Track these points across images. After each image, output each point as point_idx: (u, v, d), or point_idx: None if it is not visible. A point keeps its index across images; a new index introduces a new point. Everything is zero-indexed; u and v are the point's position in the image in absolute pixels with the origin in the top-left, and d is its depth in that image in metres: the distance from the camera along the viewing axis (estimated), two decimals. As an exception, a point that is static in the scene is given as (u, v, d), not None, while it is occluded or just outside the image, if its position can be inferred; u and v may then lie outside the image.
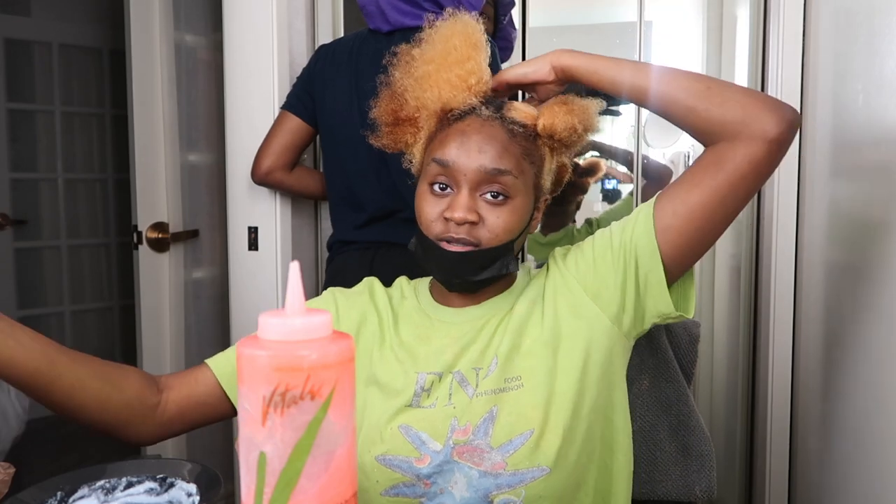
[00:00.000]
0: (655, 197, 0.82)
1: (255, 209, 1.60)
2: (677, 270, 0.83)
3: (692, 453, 1.06)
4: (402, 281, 0.95)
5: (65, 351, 0.75)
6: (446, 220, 0.80)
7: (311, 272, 1.76)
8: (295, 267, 0.44)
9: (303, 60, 1.74)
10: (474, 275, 0.82)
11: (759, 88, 1.65)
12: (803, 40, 1.46)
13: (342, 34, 1.88)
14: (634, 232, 0.81)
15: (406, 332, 0.87)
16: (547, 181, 0.89)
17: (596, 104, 0.87)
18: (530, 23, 2.25)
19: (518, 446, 0.77)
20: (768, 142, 0.74)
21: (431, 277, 0.92)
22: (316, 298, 0.94)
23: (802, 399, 1.45)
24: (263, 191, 1.59)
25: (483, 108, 0.85)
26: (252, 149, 1.49)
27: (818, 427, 1.33)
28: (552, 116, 0.84)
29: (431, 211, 0.81)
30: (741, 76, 1.76)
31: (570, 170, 0.94)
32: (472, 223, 0.80)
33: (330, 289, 0.95)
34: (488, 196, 0.81)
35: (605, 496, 0.85)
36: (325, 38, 1.79)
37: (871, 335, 1.06)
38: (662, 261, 0.80)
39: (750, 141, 0.75)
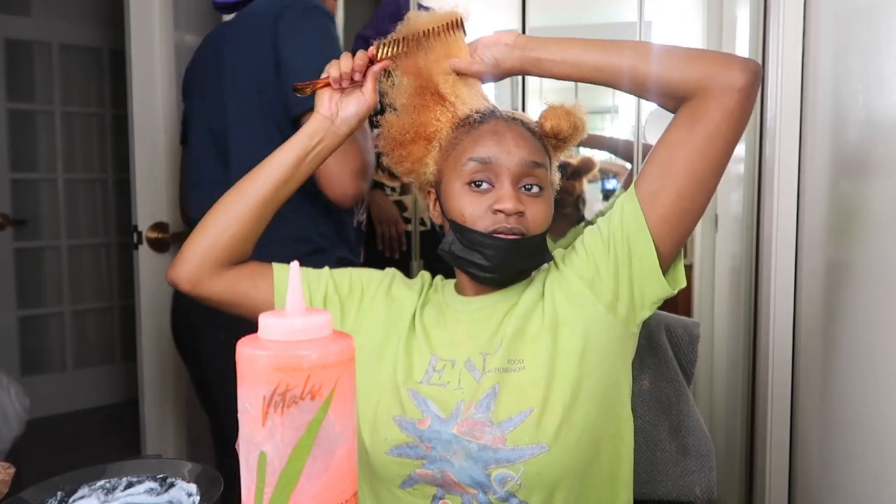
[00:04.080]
0: (633, 182, 0.86)
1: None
2: (669, 246, 0.84)
3: (692, 453, 1.06)
4: (439, 278, 1.01)
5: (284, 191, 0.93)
6: (494, 213, 0.84)
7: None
8: (295, 267, 0.44)
9: (303, 60, 1.73)
10: (523, 263, 0.87)
11: (759, 87, 1.65)
12: (803, 40, 1.46)
13: (342, 34, 1.88)
14: (623, 217, 0.84)
15: (428, 316, 0.93)
16: (555, 178, 0.93)
17: (581, 105, 0.93)
18: (530, 23, 2.25)
19: (518, 423, 0.80)
20: (738, 91, 0.78)
21: (455, 281, 0.96)
22: (374, 270, 0.99)
23: (802, 399, 1.45)
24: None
25: (499, 111, 0.91)
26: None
27: (818, 427, 1.33)
28: (557, 118, 0.91)
29: (476, 207, 0.85)
30: (741, 76, 1.75)
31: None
32: (520, 213, 0.84)
33: (392, 269, 1.00)
34: (526, 189, 0.86)
35: (613, 485, 0.88)
36: (325, 38, 1.79)
37: (871, 334, 1.06)
38: (654, 241, 0.82)
39: (721, 92, 0.78)
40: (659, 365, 1.08)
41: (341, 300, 0.93)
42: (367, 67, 0.92)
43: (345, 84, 0.91)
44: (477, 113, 0.90)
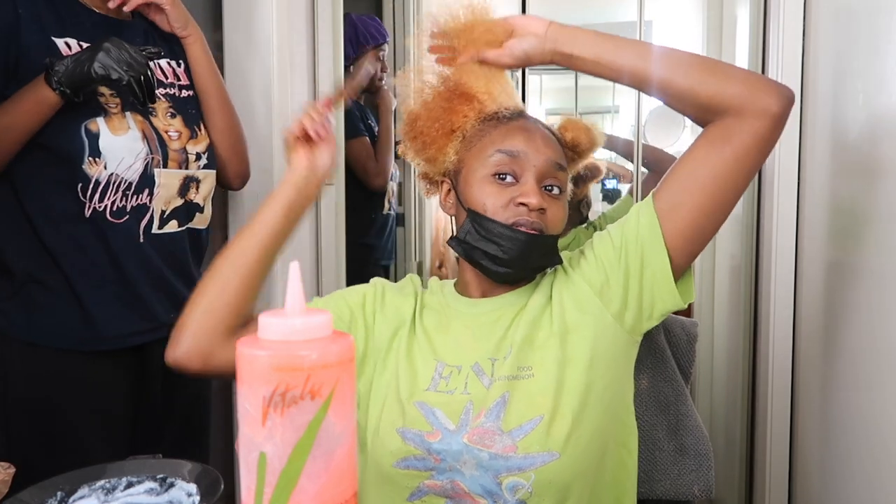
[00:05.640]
0: (651, 193, 0.86)
1: (255, 209, 1.60)
2: (682, 260, 0.84)
3: (690, 452, 1.06)
4: (433, 279, 1.00)
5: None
6: (517, 206, 0.84)
7: (310, 272, 1.76)
8: (294, 267, 0.44)
9: (303, 60, 1.73)
10: (537, 261, 0.87)
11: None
12: (803, 40, 1.46)
13: (342, 33, 1.88)
14: (638, 227, 0.84)
15: (428, 321, 0.91)
16: (567, 187, 0.93)
17: (597, 125, 0.97)
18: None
19: (528, 431, 0.79)
20: (772, 117, 0.78)
21: (455, 280, 0.95)
22: (359, 286, 0.97)
23: (802, 399, 1.45)
24: (263, 191, 1.58)
25: (526, 113, 0.93)
26: (250, 148, 1.49)
27: (818, 426, 1.33)
28: (577, 131, 0.94)
29: (498, 198, 0.85)
30: (741, 76, 1.76)
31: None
32: (542, 210, 0.84)
33: (377, 279, 0.98)
34: (548, 189, 0.87)
35: (620, 493, 0.88)
36: (325, 36, 1.79)
37: (871, 335, 1.06)
38: (668, 253, 0.83)
39: (755, 116, 0.78)
40: (657, 365, 1.09)
41: (347, 328, 0.90)
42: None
43: (317, 136, 0.89)
44: (506, 109, 0.91)
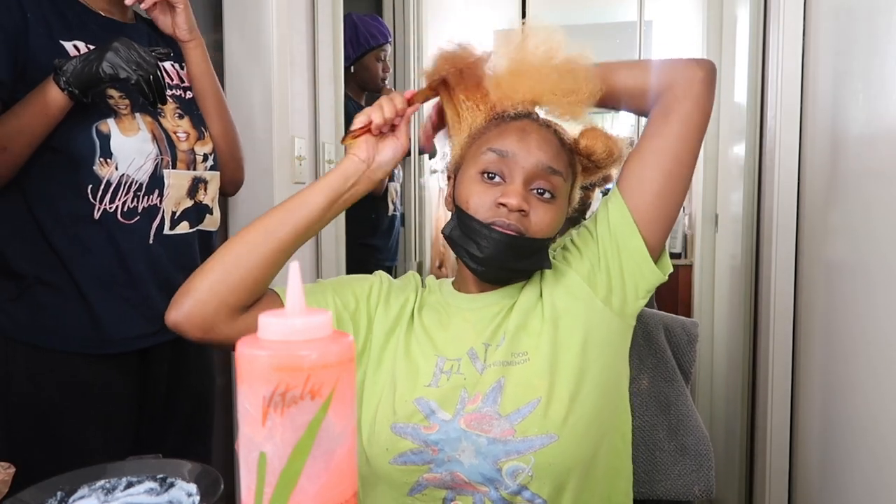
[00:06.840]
0: (615, 182, 0.91)
1: (256, 209, 1.60)
2: (656, 236, 0.88)
3: (690, 452, 1.06)
4: (431, 278, 1.00)
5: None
6: (498, 206, 0.84)
7: (311, 272, 1.76)
8: (295, 267, 0.44)
9: (303, 60, 1.74)
10: (515, 262, 0.86)
11: (758, 88, 1.65)
12: (803, 40, 1.46)
13: (342, 33, 1.88)
14: (609, 215, 0.88)
15: (428, 318, 0.92)
16: (575, 196, 0.94)
17: (621, 138, 0.97)
18: (530, 23, 2.25)
19: (526, 414, 0.80)
20: (700, 82, 0.88)
21: (453, 279, 0.96)
22: (365, 276, 0.96)
23: (802, 399, 1.45)
24: (263, 191, 1.59)
25: (536, 114, 0.92)
26: (250, 148, 1.49)
27: (818, 427, 1.33)
28: (593, 139, 0.93)
29: (483, 197, 0.85)
30: (741, 76, 1.76)
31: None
32: (523, 213, 0.84)
33: (382, 272, 0.98)
34: (538, 193, 0.86)
35: (615, 480, 0.89)
36: (325, 37, 1.79)
37: (871, 335, 1.06)
38: (640, 232, 0.87)
39: (686, 85, 0.88)
40: (658, 365, 1.09)
41: (351, 316, 0.90)
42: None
43: (385, 130, 0.89)
44: (514, 110, 0.91)
